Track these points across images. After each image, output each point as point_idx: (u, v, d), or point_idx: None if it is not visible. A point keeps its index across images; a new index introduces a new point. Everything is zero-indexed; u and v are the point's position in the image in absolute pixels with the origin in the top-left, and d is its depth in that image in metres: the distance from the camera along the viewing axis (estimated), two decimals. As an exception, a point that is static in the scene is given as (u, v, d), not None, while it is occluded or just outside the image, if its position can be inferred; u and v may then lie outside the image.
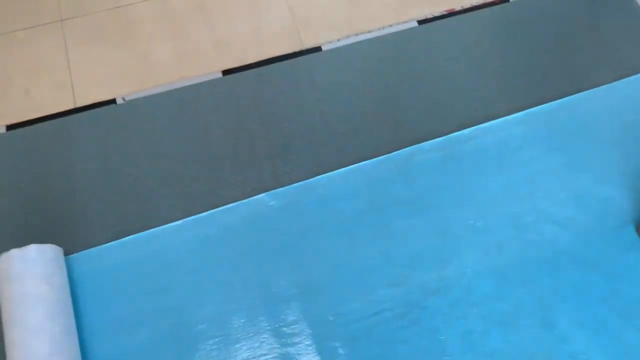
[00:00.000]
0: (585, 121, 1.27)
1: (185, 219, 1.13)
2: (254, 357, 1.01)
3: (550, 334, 1.04)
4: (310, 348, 1.03)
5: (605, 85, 1.31)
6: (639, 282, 1.10)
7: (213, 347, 1.02)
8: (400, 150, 1.21)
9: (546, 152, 1.23)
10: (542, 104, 1.28)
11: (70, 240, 1.10)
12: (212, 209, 1.14)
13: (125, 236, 1.10)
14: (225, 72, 1.29)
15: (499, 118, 1.25)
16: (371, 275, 1.09)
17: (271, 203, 1.15)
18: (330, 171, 1.18)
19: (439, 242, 1.12)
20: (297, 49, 1.33)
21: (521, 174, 1.20)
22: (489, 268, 1.10)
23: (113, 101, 1.25)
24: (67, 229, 1.11)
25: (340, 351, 1.02)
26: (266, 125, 1.24)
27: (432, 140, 1.23)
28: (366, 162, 1.20)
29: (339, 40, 1.35)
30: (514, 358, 1.02)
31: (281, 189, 1.17)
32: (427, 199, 1.17)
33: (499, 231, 1.14)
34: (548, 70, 1.33)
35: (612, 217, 1.16)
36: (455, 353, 1.03)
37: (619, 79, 1.31)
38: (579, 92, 1.30)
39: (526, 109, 1.27)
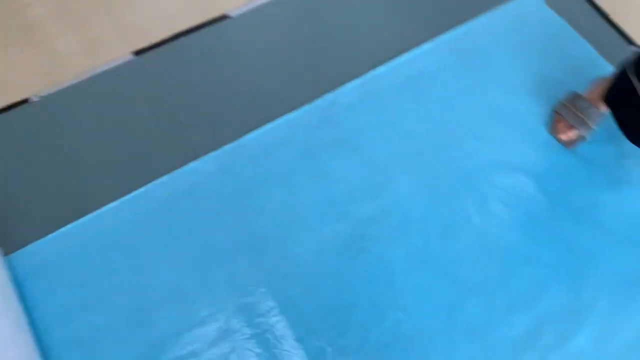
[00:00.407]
0: (488, 42, 1.35)
1: (121, 199, 1.13)
2: (212, 314, 1.03)
3: (485, 234, 1.11)
4: (266, 295, 1.05)
5: (502, 7, 1.39)
6: (560, 177, 1.19)
7: (171, 314, 1.03)
8: (323, 97, 1.25)
9: (457, 75, 1.29)
10: (446, 31, 1.35)
11: (8, 240, 1.08)
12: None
13: (64, 226, 1.10)
14: (138, 53, 1.29)
15: (409, 51, 1.31)
16: (314, 217, 1.13)
17: (205, 169, 1.17)
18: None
19: (372, 174, 1.17)
20: (204, 19, 1.34)
21: (437, 99, 1.26)
22: (421, 188, 1.16)
23: (26, 101, 1.23)
24: (3, 230, 1.09)
25: (295, 292, 1.06)
26: (188, 97, 1.25)
27: (351, 83, 1.27)
28: (292, 113, 1.23)
29: (245, 5, 1.37)
30: (457, 261, 1.08)
31: (213, 152, 1.18)
32: (355, 137, 1.21)
33: (425, 154, 1.20)
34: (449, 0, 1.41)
35: (525, 123, 1.24)
36: (404, 271, 1.08)
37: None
38: (478, 16, 1.37)
39: (433, 39, 1.33)
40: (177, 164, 1.17)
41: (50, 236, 1.09)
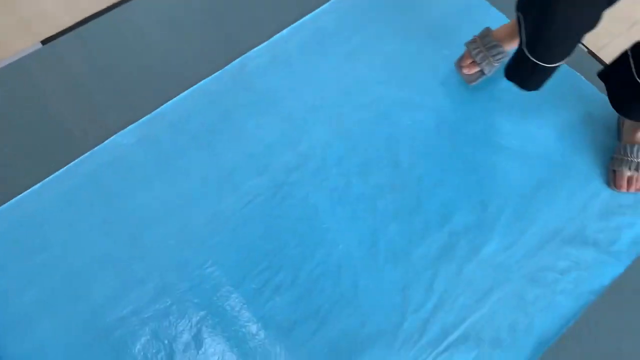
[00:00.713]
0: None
1: (43, 181, 1.15)
2: (149, 273, 1.07)
3: (397, 167, 1.20)
4: (199, 251, 1.10)
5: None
6: (459, 109, 1.29)
7: (107, 281, 1.07)
8: (233, 62, 1.31)
9: (357, 29, 1.38)
10: (343, -9, 1.43)
11: None
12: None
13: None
14: (45, 42, 1.31)
15: (311, 12, 1.39)
16: (237, 174, 1.18)
17: (126, 141, 1.20)
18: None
19: (288, 128, 1.24)
20: (109, 2, 1.37)
21: (342, 53, 1.34)
22: (335, 134, 1.23)
23: None
24: None
25: (226, 243, 1.11)
26: (102, 78, 1.28)
27: (258, 47, 1.33)
28: (204, 80, 1.28)
29: (148, -14, 1.41)
30: (375, 195, 1.17)
31: (131, 125, 1.22)
32: (268, 96, 1.28)
33: (335, 105, 1.27)
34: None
35: (424, 63, 1.34)
36: (327, 209, 1.15)
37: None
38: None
39: (332, -1, 1.42)
40: (97, 141, 1.20)
41: (-25, 224, 1.10)
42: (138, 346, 1.02)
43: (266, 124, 1.25)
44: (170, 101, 1.25)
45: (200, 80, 1.28)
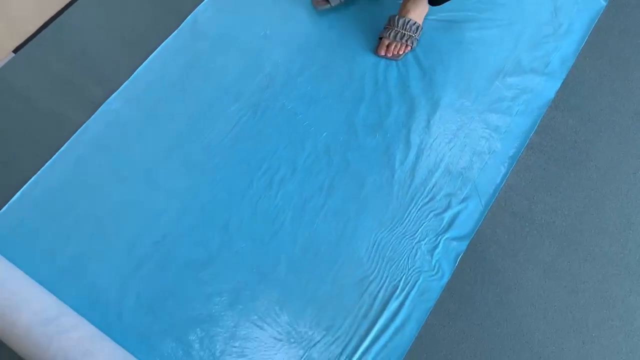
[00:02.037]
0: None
1: (54, 156, 1.29)
2: (169, 199, 1.22)
3: (354, 63, 1.37)
4: (205, 170, 1.25)
5: None
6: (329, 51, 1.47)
7: (134, 217, 1.21)
8: (186, 20, 1.46)
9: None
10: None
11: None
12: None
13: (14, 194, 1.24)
14: (16, 50, 1.45)
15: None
16: (216, 105, 1.34)
17: (113, 107, 1.34)
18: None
19: (250, 58, 1.40)
20: (63, 5, 1.52)
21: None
22: (291, 52, 1.40)
23: None
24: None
25: (226, 159, 1.26)
26: (76, 64, 1.42)
27: (203, 2, 1.49)
28: (166, 40, 1.43)
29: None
30: (341, 89, 1.34)
31: (114, 93, 1.36)
32: (223, 39, 1.43)
33: (285, 32, 1.44)
34: None
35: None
36: (303, 110, 1.32)
37: None
38: None
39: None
40: (90, 114, 1.34)
41: (5, 206, 1.23)
42: (178, 260, 1.16)
43: (230, 60, 1.40)
44: (142, 65, 1.40)
45: (162, 43, 1.44)
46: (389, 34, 1.35)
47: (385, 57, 1.36)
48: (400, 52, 1.35)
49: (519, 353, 1.05)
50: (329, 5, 1.42)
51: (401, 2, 1.38)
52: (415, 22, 1.35)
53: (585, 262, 1.12)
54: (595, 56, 1.36)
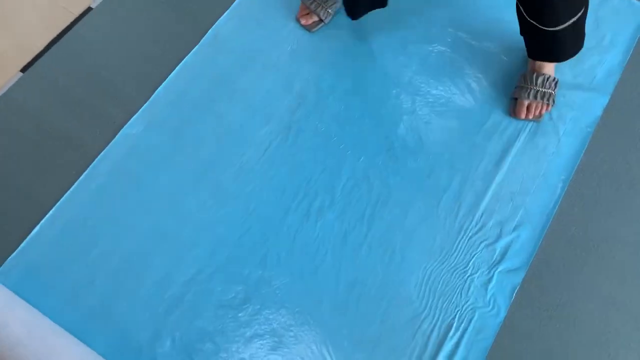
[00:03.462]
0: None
1: (73, 186, 1.19)
2: (199, 232, 1.14)
3: (390, 76, 1.30)
4: (237, 200, 1.17)
5: None
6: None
7: (163, 252, 1.12)
8: (206, 35, 1.37)
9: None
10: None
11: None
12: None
13: (32, 229, 1.15)
14: (24, 69, 1.35)
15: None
16: (246, 128, 1.25)
17: (134, 131, 1.26)
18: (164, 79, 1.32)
19: (277, 75, 1.32)
20: (72, 19, 1.42)
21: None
22: (320, 67, 1.32)
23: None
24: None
25: (259, 188, 1.19)
26: (89, 84, 1.32)
27: (224, 14, 1.40)
28: (186, 57, 1.34)
29: (101, -6, 1.46)
30: (378, 106, 1.26)
31: (135, 116, 1.27)
32: (247, 54, 1.35)
33: (312, 43, 1.36)
34: None
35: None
36: (338, 132, 1.24)
37: None
38: None
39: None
40: (109, 139, 1.25)
41: (24, 243, 1.14)
42: (214, 298, 1.08)
43: (256, 77, 1.32)
44: (162, 84, 1.31)
45: (182, 59, 1.35)
46: (528, 94, 1.22)
47: (527, 119, 1.23)
48: (543, 112, 1.23)
49: (585, 395, 0.99)
50: (322, 23, 1.35)
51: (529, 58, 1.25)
52: (555, 78, 1.23)
53: (647, 294, 1.06)
54: (641, 69, 1.30)
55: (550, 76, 1.23)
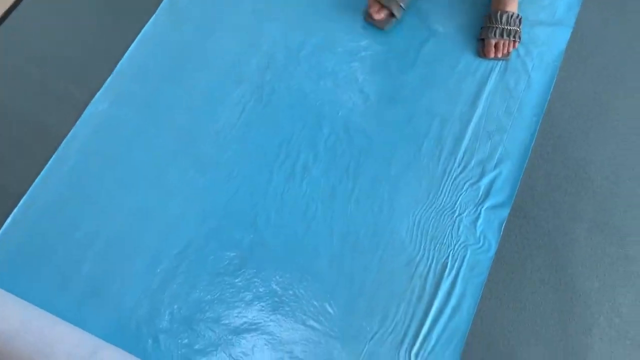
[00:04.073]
0: None
1: (44, 169, 1.14)
2: (186, 204, 1.11)
3: (367, 30, 1.28)
4: (218, 166, 1.15)
5: None
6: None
7: (151, 228, 1.09)
8: (162, 4, 1.32)
9: None
10: None
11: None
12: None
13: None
14: (-30, 54, 1.26)
15: None
16: (218, 91, 1.22)
17: (100, 108, 1.20)
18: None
19: (243, 36, 1.28)
20: None
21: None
22: (288, 25, 1.29)
23: None
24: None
25: (239, 151, 1.16)
26: (46, 66, 1.25)
27: None
28: (144, 27, 1.28)
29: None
30: (350, 60, 1.25)
31: (98, 92, 1.21)
32: (209, 19, 1.30)
33: (278, 2, 1.32)
34: None
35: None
36: (313, 88, 1.22)
37: None
38: None
39: None
40: (75, 119, 1.19)
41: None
42: (208, 267, 1.07)
43: (220, 41, 1.28)
44: (123, 57, 1.25)
45: (140, 30, 1.29)
46: (494, 33, 1.23)
47: (496, 58, 1.24)
48: (510, 50, 1.24)
49: (578, 315, 1.04)
50: (395, 18, 1.26)
51: None
52: (518, 15, 1.24)
53: (626, 214, 1.11)
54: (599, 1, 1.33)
55: (513, 13, 1.24)
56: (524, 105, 1.21)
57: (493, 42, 1.24)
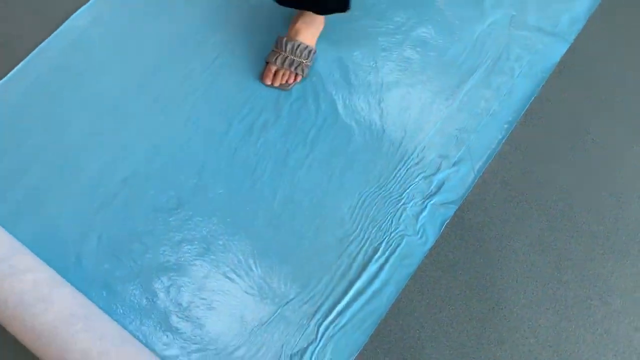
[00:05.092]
0: None
1: (9, 74, 1.15)
2: (140, 136, 1.11)
3: None
4: (180, 108, 1.14)
5: None
6: None
7: (101, 151, 1.10)
8: None
9: None
10: None
11: None
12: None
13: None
14: None
15: None
16: (200, 34, 1.21)
17: (79, 23, 1.20)
18: None
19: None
20: None
21: None
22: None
23: None
24: None
25: (203, 97, 1.15)
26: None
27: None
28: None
29: None
30: (328, 28, 1.23)
31: (81, 8, 1.21)
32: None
33: None
34: None
35: None
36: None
37: None
38: None
39: None
40: (51, 30, 1.19)
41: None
42: (146, 201, 1.07)
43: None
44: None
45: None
46: (275, 59, 1.14)
47: (271, 86, 1.15)
48: (290, 82, 1.15)
49: (495, 326, 1.03)
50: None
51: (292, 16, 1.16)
52: (307, 46, 1.14)
53: (571, 239, 1.09)
54: (606, 20, 1.28)
55: (301, 44, 1.14)
56: (500, 110, 1.18)
57: (273, 68, 1.15)
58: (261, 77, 1.17)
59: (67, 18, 1.20)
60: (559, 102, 1.20)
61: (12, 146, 1.10)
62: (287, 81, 1.15)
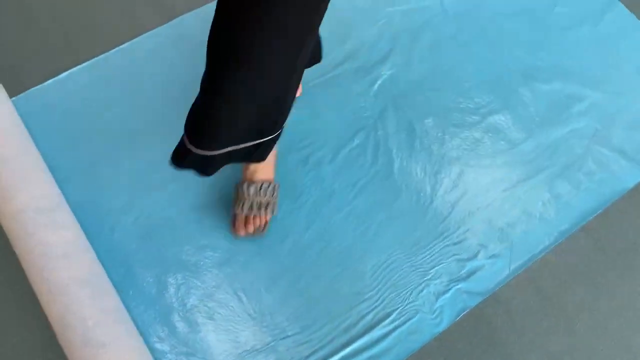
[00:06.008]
0: None
1: (107, 52, 1.25)
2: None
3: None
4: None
5: None
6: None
7: (164, 139, 1.16)
8: None
9: None
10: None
11: (12, 84, 1.19)
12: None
13: (60, 74, 1.21)
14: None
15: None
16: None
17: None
18: None
19: (334, 24, 1.32)
20: None
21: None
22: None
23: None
24: (6, 75, 1.20)
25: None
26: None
27: None
28: None
29: None
30: (408, 93, 1.24)
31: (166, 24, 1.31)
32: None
33: None
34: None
35: None
36: (369, 99, 1.23)
37: None
38: None
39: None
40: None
41: (48, 82, 1.20)
42: (189, 198, 1.12)
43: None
44: None
45: None
46: (242, 207, 1.06)
47: (248, 235, 1.07)
48: (263, 223, 1.07)
49: None
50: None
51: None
52: (270, 183, 1.07)
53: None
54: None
55: (264, 182, 1.06)
56: (556, 217, 1.14)
57: (242, 216, 1.07)
58: (233, 230, 1.08)
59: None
60: (620, 229, 1.15)
61: (94, 111, 1.18)
62: (261, 224, 1.07)
